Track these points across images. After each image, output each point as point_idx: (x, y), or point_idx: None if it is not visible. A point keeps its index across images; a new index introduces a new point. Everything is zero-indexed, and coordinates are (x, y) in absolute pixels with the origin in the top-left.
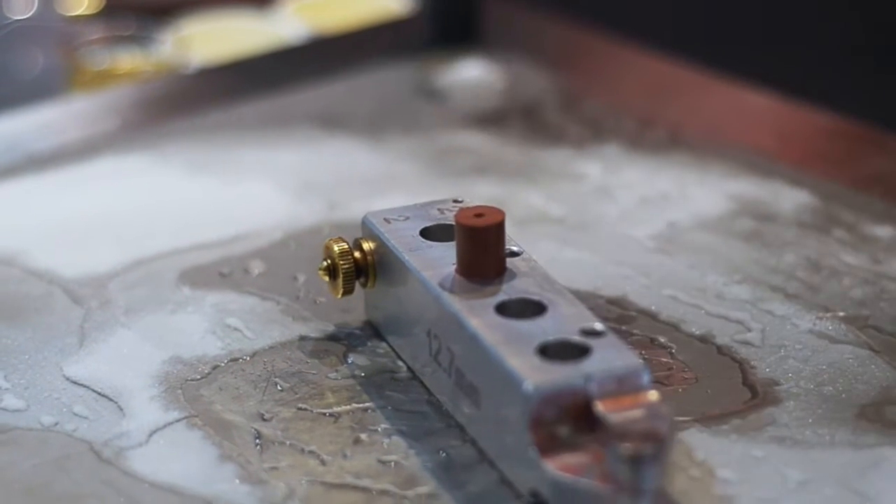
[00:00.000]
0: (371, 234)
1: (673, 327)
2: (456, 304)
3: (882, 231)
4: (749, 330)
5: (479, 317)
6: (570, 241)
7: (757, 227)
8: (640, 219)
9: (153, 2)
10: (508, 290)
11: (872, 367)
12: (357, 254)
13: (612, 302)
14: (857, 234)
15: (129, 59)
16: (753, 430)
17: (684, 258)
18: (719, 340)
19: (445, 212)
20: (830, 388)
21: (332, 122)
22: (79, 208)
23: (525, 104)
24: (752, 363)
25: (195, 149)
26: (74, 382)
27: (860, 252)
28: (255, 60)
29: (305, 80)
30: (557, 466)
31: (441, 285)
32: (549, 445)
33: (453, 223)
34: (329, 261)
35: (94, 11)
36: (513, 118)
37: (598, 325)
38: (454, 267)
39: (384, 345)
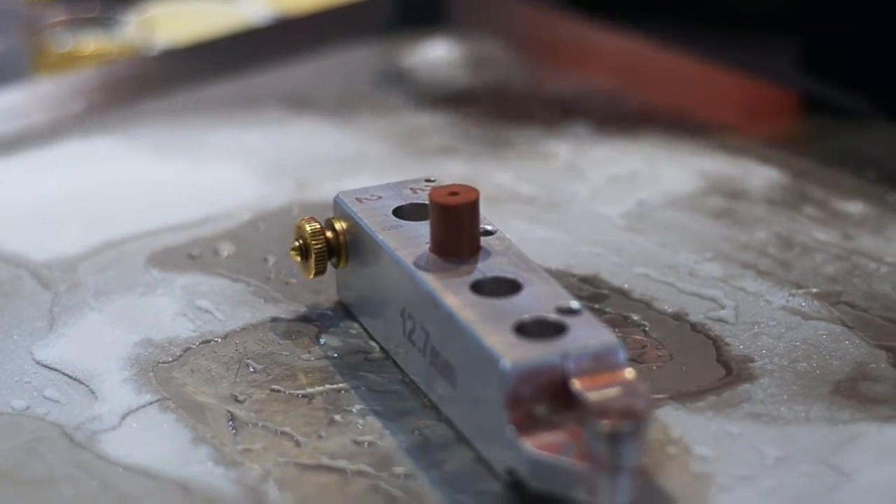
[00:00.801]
0: (343, 214)
1: (646, 305)
2: (431, 282)
3: (852, 207)
4: (722, 307)
5: (454, 295)
6: (541, 220)
7: (727, 204)
8: (611, 197)
9: None
10: (483, 269)
11: (846, 342)
12: (329, 234)
13: (585, 280)
14: (828, 210)
15: (93, 42)
16: (729, 408)
17: (655, 236)
18: (693, 318)
19: (418, 191)
20: (805, 365)
21: (300, 103)
22: (46, 191)
23: (492, 84)
24: (727, 340)
25: (162, 131)
26: (45, 366)
27: (831, 228)
28: (220, 42)
29: (272, 62)
30: (535, 445)
31: (415, 264)
32: (527, 424)
33: (426, 202)
34: (301, 241)
35: None
36: (480, 98)
37: (574, 304)
38: (428, 246)
39: (356, 325)
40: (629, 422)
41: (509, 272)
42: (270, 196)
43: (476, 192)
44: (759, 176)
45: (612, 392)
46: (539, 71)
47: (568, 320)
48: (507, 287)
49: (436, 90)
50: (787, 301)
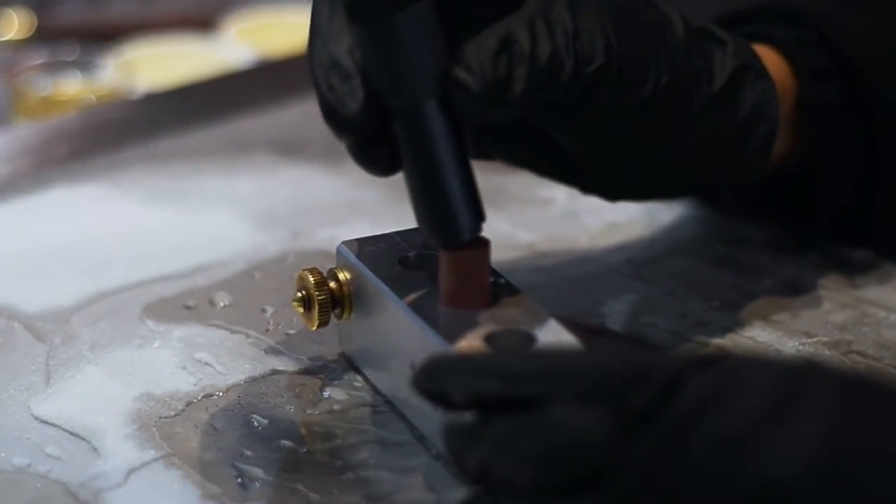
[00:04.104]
0: (347, 264)
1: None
2: (442, 335)
3: (856, 253)
4: None
5: (468, 348)
6: (542, 268)
7: (729, 251)
8: (611, 244)
9: (89, 25)
10: (496, 320)
11: None
12: (332, 284)
13: (592, 330)
14: (831, 257)
15: (72, 85)
16: None
17: (660, 284)
18: None
19: (422, 239)
20: None
21: (289, 148)
22: (34, 240)
23: None
24: None
25: (149, 177)
26: (44, 422)
27: (836, 275)
28: (205, 85)
29: (258, 106)
30: None
31: (425, 316)
32: None
33: (432, 251)
34: (303, 292)
35: (27, 36)
36: None
37: None
38: (438, 296)
39: (360, 378)
40: None
41: (522, 324)
42: (264, 244)
43: (487, 241)
44: (760, 221)
45: None
46: None
47: None
48: (521, 339)
49: None
50: (798, 350)
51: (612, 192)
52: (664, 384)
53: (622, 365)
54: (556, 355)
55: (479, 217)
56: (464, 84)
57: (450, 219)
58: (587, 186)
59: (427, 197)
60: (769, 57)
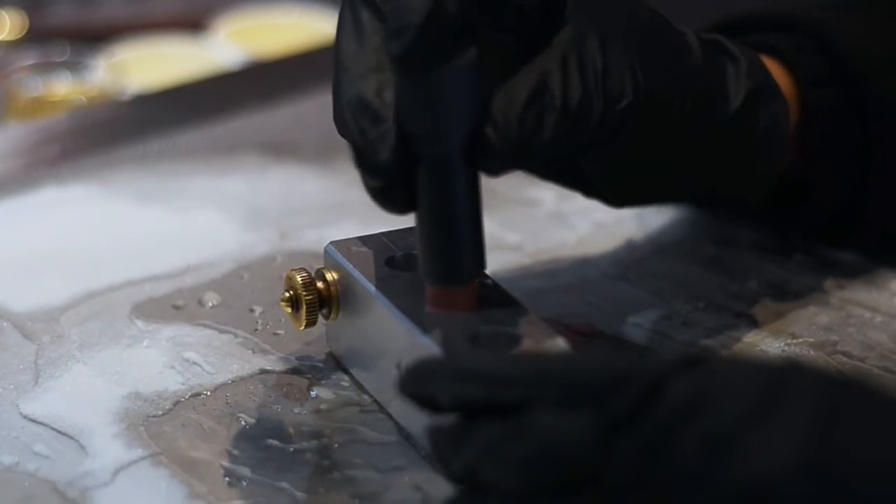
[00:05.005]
0: (334, 265)
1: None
2: (429, 335)
3: (843, 255)
4: None
5: (453, 348)
6: (529, 269)
7: (717, 252)
8: (599, 245)
9: (81, 26)
10: (482, 321)
11: None
12: (320, 284)
13: (580, 331)
14: (818, 259)
15: (63, 86)
16: None
17: (646, 285)
18: None
19: (410, 240)
20: None
21: (279, 148)
22: (24, 240)
23: None
24: None
25: (139, 178)
26: (32, 420)
27: (822, 277)
28: (195, 86)
29: (249, 107)
30: None
31: (412, 317)
32: None
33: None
34: (291, 292)
35: (18, 37)
36: None
37: None
38: (424, 297)
39: (348, 377)
40: None
41: (508, 324)
42: (253, 244)
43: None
44: (748, 222)
45: None
46: None
47: None
48: (506, 340)
49: None
50: (783, 351)
51: (616, 201)
52: (646, 387)
53: (604, 368)
54: (539, 359)
55: (481, 266)
56: (489, 142)
57: (454, 266)
58: (591, 192)
59: (437, 243)
60: (770, 66)
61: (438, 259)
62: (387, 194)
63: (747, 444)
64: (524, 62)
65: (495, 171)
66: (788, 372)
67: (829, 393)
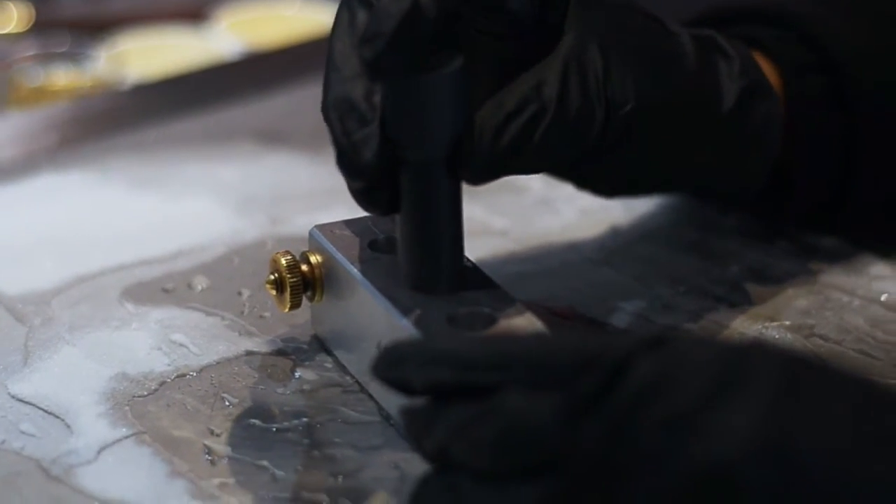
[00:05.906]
0: (318, 248)
1: None
2: (407, 316)
3: (824, 240)
4: None
5: (431, 329)
6: (515, 254)
7: (700, 237)
8: (584, 230)
9: (86, 18)
10: (460, 303)
11: None
12: (304, 267)
13: (560, 314)
14: (800, 244)
15: (64, 76)
16: None
17: (629, 270)
18: None
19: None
20: None
21: (272, 137)
22: (19, 225)
23: None
24: None
25: (135, 165)
26: (20, 400)
27: (803, 262)
28: (192, 76)
29: (244, 96)
30: None
31: (392, 298)
32: None
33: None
34: (276, 274)
35: (24, 29)
36: None
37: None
38: (405, 279)
39: (332, 359)
40: None
41: (486, 305)
42: (244, 230)
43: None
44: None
45: None
46: None
47: None
48: (482, 321)
49: None
50: (761, 333)
51: (608, 193)
52: (612, 369)
53: (572, 351)
54: (509, 342)
55: (459, 272)
56: (467, 152)
57: (433, 270)
58: (584, 185)
59: (417, 246)
60: (754, 57)
61: (417, 264)
62: (369, 196)
63: (707, 424)
64: (520, 70)
65: (475, 181)
66: (749, 351)
67: (789, 371)
